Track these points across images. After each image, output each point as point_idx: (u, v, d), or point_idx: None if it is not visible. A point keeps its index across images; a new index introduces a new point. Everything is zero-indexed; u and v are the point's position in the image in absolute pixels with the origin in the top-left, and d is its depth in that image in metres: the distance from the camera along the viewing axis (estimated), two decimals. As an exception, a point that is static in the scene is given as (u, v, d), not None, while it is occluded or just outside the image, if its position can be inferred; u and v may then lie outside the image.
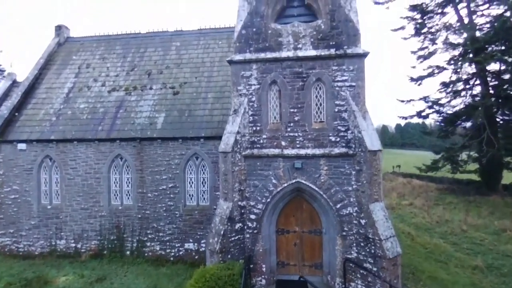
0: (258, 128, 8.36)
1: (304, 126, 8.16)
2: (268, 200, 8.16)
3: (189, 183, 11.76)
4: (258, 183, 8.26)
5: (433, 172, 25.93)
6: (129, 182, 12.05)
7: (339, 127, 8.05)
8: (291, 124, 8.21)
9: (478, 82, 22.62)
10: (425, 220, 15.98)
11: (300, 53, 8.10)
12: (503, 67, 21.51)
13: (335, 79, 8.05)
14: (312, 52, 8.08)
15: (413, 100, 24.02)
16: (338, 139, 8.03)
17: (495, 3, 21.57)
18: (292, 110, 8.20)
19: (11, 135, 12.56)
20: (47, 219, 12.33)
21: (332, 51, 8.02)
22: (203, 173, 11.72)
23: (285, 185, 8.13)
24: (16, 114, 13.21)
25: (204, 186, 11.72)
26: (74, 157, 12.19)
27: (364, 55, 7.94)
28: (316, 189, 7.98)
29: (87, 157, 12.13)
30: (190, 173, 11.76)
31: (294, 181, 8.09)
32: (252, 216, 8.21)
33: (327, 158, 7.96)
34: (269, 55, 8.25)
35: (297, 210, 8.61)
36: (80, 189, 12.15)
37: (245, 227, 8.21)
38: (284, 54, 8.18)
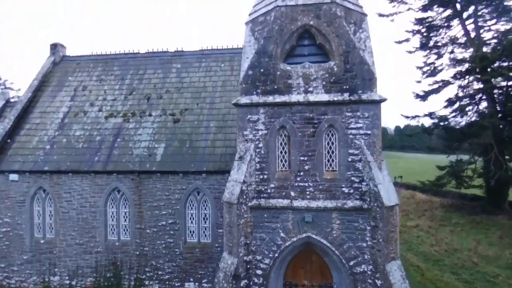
0: (265, 176, 7.79)
1: (315, 175, 7.59)
2: (276, 255, 7.60)
3: (190, 219, 11.19)
4: (265, 236, 7.69)
5: (437, 188, 25.50)
6: (126, 217, 11.47)
7: (352, 178, 7.49)
8: (301, 173, 7.64)
9: (484, 97, 22.12)
10: (433, 248, 15.45)
11: (311, 98, 7.53)
12: (510, 83, 21.01)
13: (349, 126, 7.48)
14: (324, 97, 7.51)
15: (418, 116, 23.51)
16: (351, 191, 7.47)
17: (502, 19, 21.04)
18: (302, 158, 7.63)
19: (3, 165, 11.94)
20: (40, 254, 11.73)
21: (346, 96, 7.46)
22: (205, 208, 11.15)
23: (294, 239, 7.57)
24: (9, 140, 12.59)
25: (205, 222, 11.15)
26: (69, 189, 11.58)
27: (380, 101, 7.38)
28: (328, 244, 7.43)
29: (82, 189, 11.53)
30: (191, 208, 11.19)
31: (304, 235, 7.53)
32: (259, 272, 7.64)
33: (339, 211, 7.41)
34: (278, 99, 7.68)
35: (306, 262, 8.05)
36: (75, 223, 11.55)
37: (251, 283, 7.64)
38: (294, 98, 7.60)
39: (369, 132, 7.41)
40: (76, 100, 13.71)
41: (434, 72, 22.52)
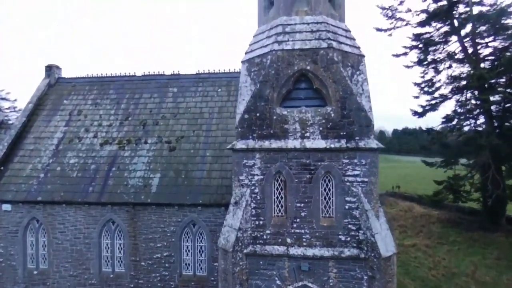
0: (261, 222, 7.68)
1: (312, 222, 7.49)
2: (272, 303, 7.48)
3: (186, 251, 11.05)
4: (260, 283, 7.58)
5: (435, 202, 25.49)
6: (121, 248, 11.32)
7: (349, 226, 7.39)
8: (297, 220, 7.53)
9: (482, 115, 22.12)
10: (431, 272, 15.38)
11: (308, 144, 7.44)
12: (507, 105, 21.02)
13: (346, 173, 7.39)
14: (321, 143, 7.41)
15: (416, 131, 23.45)
16: (348, 239, 7.37)
17: (500, 37, 21.05)
18: (298, 204, 7.53)
19: (-4, 195, 11.77)
20: (33, 285, 11.55)
21: (343, 142, 7.36)
22: (201, 241, 11.02)
23: (290, 287, 7.45)
24: (2, 168, 12.41)
25: (201, 255, 11.02)
26: (63, 220, 11.42)
27: (377, 149, 7.29)
28: (324, 293, 7.32)
29: (76, 220, 11.38)
30: (187, 240, 11.05)
31: (300, 283, 7.42)
32: (254, 320, 7.51)
33: (336, 260, 7.31)
34: (274, 144, 7.57)
35: (303, 306, 7.92)
36: (69, 254, 11.39)
37: (246, 331, 7.51)
38: (291, 144, 7.50)
39: (366, 179, 7.32)
40: (71, 125, 13.56)
41: (432, 91, 22.50)
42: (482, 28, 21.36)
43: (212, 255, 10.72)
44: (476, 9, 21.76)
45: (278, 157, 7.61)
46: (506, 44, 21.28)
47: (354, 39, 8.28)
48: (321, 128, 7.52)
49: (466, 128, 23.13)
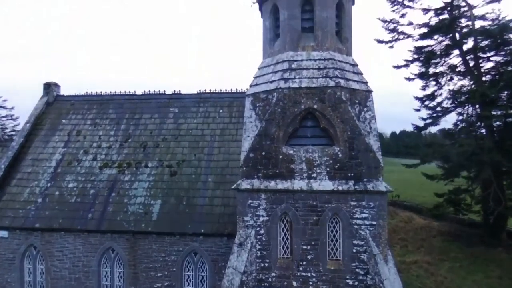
0: (266, 264, 7.49)
1: (318, 265, 7.30)
2: None
3: (187, 281, 10.84)
4: (265, 327, 7.38)
5: (436, 215, 25.40)
6: (121, 277, 11.08)
7: (357, 270, 7.21)
8: (304, 263, 7.35)
9: (483, 127, 22.02)
10: (433, 294, 15.22)
11: (315, 186, 7.25)
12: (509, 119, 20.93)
13: (354, 216, 7.21)
14: (329, 185, 7.23)
15: (418, 145, 23.35)
16: (356, 283, 7.19)
17: (502, 52, 20.97)
18: (304, 247, 7.34)
19: (-8, 220, 11.51)
20: (31, 314, 11.32)
21: (351, 184, 7.19)
22: (202, 271, 10.81)
23: (297, 333, 7.26)
24: (-2, 192, 12.16)
25: (202, 285, 10.81)
26: (61, 248, 11.18)
27: (386, 192, 7.12)
28: None
29: (75, 248, 11.14)
30: (188, 270, 10.84)
31: (306, 329, 7.23)
32: None
33: (344, 305, 7.12)
34: (280, 185, 7.38)
35: None
36: (68, 282, 11.14)
37: None
38: (297, 185, 7.32)
39: (374, 223, 7.15)
40: (70, 146, 13.31)
41: (433, 106, 22.39)
42: (484, 42, 21.28)
43: (214, 285, 10.51)
44: (478, 23, 21.73)
45: (284, 198, 7.43)
46: (508, 59, 21.22)
47: (361, 74, 8.11)
48: (328, 169, 7.34)
49: (467, 141, 23.10)
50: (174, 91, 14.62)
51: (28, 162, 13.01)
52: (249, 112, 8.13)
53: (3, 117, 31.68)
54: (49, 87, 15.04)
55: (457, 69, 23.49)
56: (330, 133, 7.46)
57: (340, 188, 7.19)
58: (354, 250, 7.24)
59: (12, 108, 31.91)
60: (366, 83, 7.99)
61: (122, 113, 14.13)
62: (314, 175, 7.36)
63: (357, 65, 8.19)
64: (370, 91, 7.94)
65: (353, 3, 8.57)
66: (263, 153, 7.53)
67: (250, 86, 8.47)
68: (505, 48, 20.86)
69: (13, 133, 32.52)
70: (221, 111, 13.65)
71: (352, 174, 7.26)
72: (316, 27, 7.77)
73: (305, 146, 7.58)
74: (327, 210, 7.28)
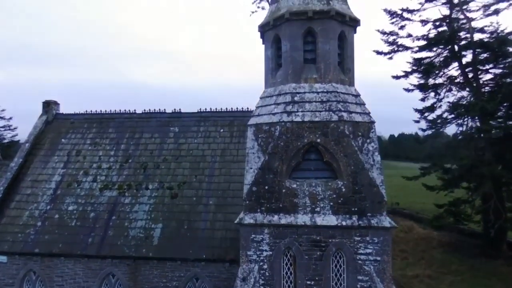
0: (269, 299, 7.41)
1: (322, 301, 7.24)
2: None
3: (188, 306, 10.75)
4: None
5: (436, 226, 25.37)
6: (121, 303, 10.99)
7: (362, 306, 7.15)
8: (308, 298, 7.28)
9: (483, 140, 22.05)
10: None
11: (319, 221, 7.20)
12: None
13: (358, 251, 7.16)
14: (332, 220, 7.19)
15: (417, 159, 23.36)
16: (360, 319, 7.13)
17: (501, 64, 21.05)
18: (308, 282, 7.28)
19: (-9, 245, 11.39)
20: None
21: (355, 219, 7.14)
22: (204, 296, 10.73)
23: None
24: (-2, 214, 12.05)
25: (204, 310, 10.72)
26: (61, 273, 11.07)
27: (390, 228, 7.08)
28: None
29: (75, 273, 11.03)
30: (189, 296, 10.76)
31: None
32: None
33: None
34: (283, 219, 7.33)
35: None
36: (67, 308, 11.04)
37: None
38: (300, 220, 7.26)
39: (379, 258, 7.10)
40: (70, 167, 13.21)
41: (433, 119, 22.42)
42: (483, 55, 21.37)
43: (216, 311, 10.43)
44: (476, 36, 21.81)
45: (288, 233, 7.37)
46: (507, 71, 21.29)
47: (364, 104, 8.08)
48: (331, 203, 7.29)
49: (466, 153, 23.12)
50: (174, 109, 14.56)
51: (27, 184, 12.91)
52: (252, 142, 8.07)
53: (1, 127, 31.51)
54: (48, 105, 14.96)
55: (456, 80, 23.59)
56: (334, 166, 7.42)
57: (344, 223, 7.15)
58: (358, 286, 7.18)
59: (10, 118, 31.74)
60: (368, 113, 7.97)
61: (122, 132, 14.06)
62: (318, 209, 7.31)
63: (359, 95, 8.17)
64: (372, 122, 7.91)
65: (355, 32, 8.56)
66: (266, 187, 7.48)
67: (252, 116, 8.43)
68: (504, 61, 20.96)
69: (12, 137, 32.41)
70: (221, 130, 13.60)
71: (356, 209, 7.22)
72: (319, 59, 7.76)
73: (308, 179, 7.53)
74: (331, 245, 7.23)
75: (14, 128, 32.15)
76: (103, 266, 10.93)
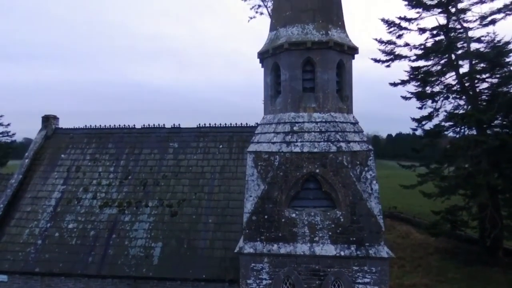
0: (269, 328, 7.53)
1: (321, 329, 7.36)
2: None
3: (188, 325, 10.86)
4: None
5: (433, 233, 25.61)
6: (122, 321, 11.08)
7: (360, 334, 7.28)
8: (307, 326, 7.40)
9: (479, 150, 22.26)
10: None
11: (317, 250, 7.32)
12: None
13: (356, 280, 7.29)
14: (331, 249, 7.30)
15: (414, 165, 23.57)
16: None
17: (497, 74, 21.24)
18: (307, 310, 7.40)
19: (-9, 264, 11.45)
20: None
21: (353, 249, 7.26)
22: (204, 315, 10.84)
23: None
24: (-2, 232, 12.10)
25: (204, 329, 10.84)
26: (62, 292, 11.16)
27: (388, 258, 7.20)
28: None
29: (76, 292, 11.12)
30: (189, 314, 10.86)
31: None
32: None
33: None
34: (283, 249, 7.44)
35: None
36: (68, 327, 11.13)
37: None
38: (299, 249, 7.38)
39: (376, 287, 7.22)
40: (69, 183, 13.27)
41: (430, 130, 22.61)
42: (480, 65, 21.54)
43: (216, 330, 10.55)
44: (474, 45, 21.98)
45: (287, 262, 7.48)
46: (503, 81, 21.46)
47: (362, 132, 8.19)
48: (330, 233, 7.41)
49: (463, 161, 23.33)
50: (174, 124, 14.63)
51: (27, 201, 12.96)
52: (251, 170, 8.17)
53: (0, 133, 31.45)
54: (47, 120, 14.99)
55: (453, 89, 23.78)
56: (332, 196, 7.53)
57: (342, 253, 7.26)
58: (356, 315, 7.31)
59: (9, 124, 31.68)
60: (366, 141, 8.08)
61: (121, 148, 14.12)
62: (317, 239, 7.42)
63: (357, 123, 8.28)
64: (370, 150, 8.02)
65: (353, 58, 8.66)
66: (266, 217, 7.59)
67: (252, 142, 8.52)
68: (500, 71, 21.14)
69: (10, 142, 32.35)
70: (221, 146, 13.68)
71: (354, 239, 7.34)
72: (317, 89, 7.85)
73: (308, 208, 7.64)
74: (329, 274, 7.35)
75: (13, 134, 32.12)
76: (104, 286, 11.02)
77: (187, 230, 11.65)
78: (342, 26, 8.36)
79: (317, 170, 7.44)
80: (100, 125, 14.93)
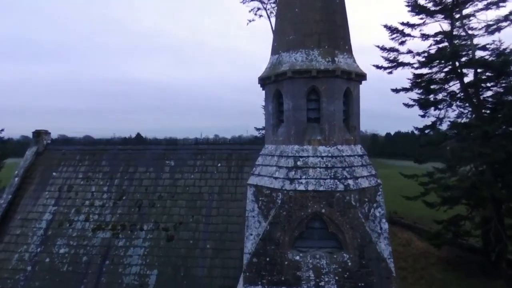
0: None
1: None
2: None
3: None
4: None
5: (435, 243, 25.22)
6: None
7: None
8: None
9: (484, 161, 21.80)
10: None
11: (323, 297, 6.80)
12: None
13: (364, 329, 6.78)
14: (337, 295, 6.79)
15: (416, 175, 23.11)
16: None
17: (503, 84, 20.74)
18: None
19: (-21, 292, 10.93)
20: None
21: (361, 296, 6.75)
22: None
23: None
24: (-14, 258, 11.54)
25: None
26: (52, 323, 10.64)
27: (399, 306, 6.70)
28: None
29: (67, 324, 10.60)
30: None
31: None
32: None
33: None
34: (286, 294, 6.93)
35: None
36: None
37: None
38: (304, 295, 6.86)
39: (386, 337, 6.73)
40: (61, 204, 12.70)
41: (433, 141, 22.12)
42: (486, 74, 21.03)
43: None
44: (478, 53, 21.45)
45: (290, 308, 6.97)
46: (508, 90, 20.98)
47: (370, 165, 7.67)
48: (337, 277, 6.89)
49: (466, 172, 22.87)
50: (170, 137, 14.08)
51: (17, 223, 12.39)
52: (252, 204, 7.64)
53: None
54: (38, 135, 14.39)
55: (456, 96, 23.29)
56: (339, 238, 7.01)
57: (350, 300, 6.77)
58: None
59: (2, 130, 31.02)
60: (375, 175, 7.56)
61: (115, 166, 13.54)
62: (322, 283, 6.91)
63: (365, 155, 7.76)
64: (379, 185, 7.51)
65: (360, 83, 8.11)
66: (268, 259, 7.06)
67: (252, 174, 7.99)
68: (506, 80, 20.64)
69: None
70: (219, 165, 13.13)
71: (363, 284, 6.83)
72: (323, 120, 7.30)
73: (312, 249, 7.11)
74: (336, 323, 6.85)
75: (9, 139, 31.43)
76: (96, 317, 10.51)
77: (184, 256, 11.12)
78: (349, 51, 7.81)
79: (323, 210, 6.91)
80: (94, 139, 14.35)
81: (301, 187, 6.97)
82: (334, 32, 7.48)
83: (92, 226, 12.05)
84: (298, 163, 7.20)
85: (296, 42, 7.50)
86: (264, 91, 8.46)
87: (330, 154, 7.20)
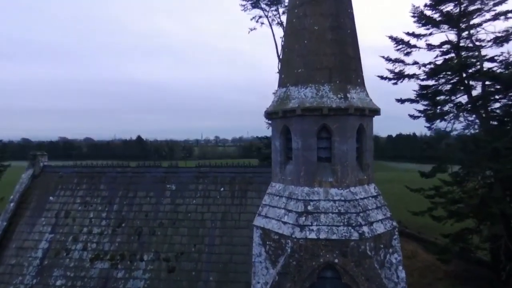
0: None
1: None
2: None
3: None
4: None
5: (442, 258, 24.66)
6: None
7: None
8: None
9: (492, 176, 21.28)
10: None
11: None
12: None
13: None
14: None
15: (422, 189, 22.60)
16: None
17: (511, 96, 20.24)
18: None
19: (-29, 329, 10.45)
20: None
21: None
22: None
23: None
24: (-21, 290, 11.07)
25: None
26: None
27: None
28: None
29: None
30: None
31: None
32: None
33: None
34: None
35: None
36: None
37: None
38: None
39: None
40: (58, 231, 12.22)
41: (439, 155, 21.62)
42: (494, 86, 20.55)
43: None
44: (486, 65, 20.96)
45: None
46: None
47: (385, 206, 7.19)
48: (351, 333, 6.39)
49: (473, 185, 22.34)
50: (171, 163, 13.60)
51: (12, 252, 11.91)
52: (258, 248, 7.15)
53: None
54: (35, 158, 13.92)
55: (463, 107, 22.81)
56: (353, 289, 6.52)
57: None
58: None
59: (0, 141, 30.56)
60: (390, 217, 7.07)
61: (114, 190, 13.06)
62: None
63: (379, 195, 7.27)
64: (395, 228, 7.03)
65: (374, 116, 7.62)
66: (277, 312, 6.57)
67: (259, 214, 7.50)
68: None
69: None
70: (222, 189, 12.63)
71: None
72: (335, 161, 6.81)
73: (325, 302, 6.62)
74: None
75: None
76: None
77: (186, 289, 10.65)
78: (361, 84, 7.32)
79: (336, 260, 6.42)
80: (92, 163, 13.88)
81: (312, 235, 6.47)
82: (346, 65, 6.99)
83: (90, 255, 11.56)
84: (309, 207, 6.70)
85: (305, 76, 7.02)
86: (270, 122, 8.02)
87: (343, 198, 6.70)
